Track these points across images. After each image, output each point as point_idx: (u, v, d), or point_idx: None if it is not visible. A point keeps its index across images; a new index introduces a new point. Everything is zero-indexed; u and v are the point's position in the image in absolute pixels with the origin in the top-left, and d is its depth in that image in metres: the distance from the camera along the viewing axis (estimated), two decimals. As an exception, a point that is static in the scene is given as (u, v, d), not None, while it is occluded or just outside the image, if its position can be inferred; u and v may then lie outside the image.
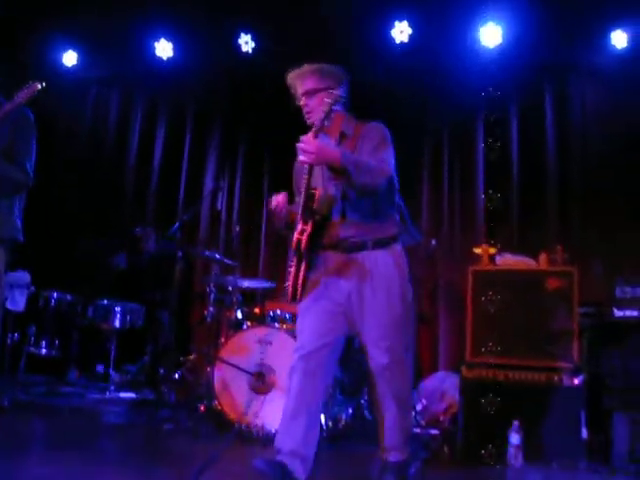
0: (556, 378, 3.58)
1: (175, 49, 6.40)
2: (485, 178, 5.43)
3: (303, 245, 2.60)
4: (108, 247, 5.67)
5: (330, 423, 3.90)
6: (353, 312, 2.69)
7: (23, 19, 6.02)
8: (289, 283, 2.70)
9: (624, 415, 3.46)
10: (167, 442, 3.77)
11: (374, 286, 2.67)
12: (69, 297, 5.15)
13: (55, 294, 5.10)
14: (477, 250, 3.98)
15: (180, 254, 4.35)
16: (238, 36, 6.29)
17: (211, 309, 4.60)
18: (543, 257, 3.87)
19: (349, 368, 4.22)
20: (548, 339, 3.63)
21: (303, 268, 2.66)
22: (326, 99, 2.62)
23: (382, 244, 2.72)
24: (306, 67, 2.82)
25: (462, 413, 3.75)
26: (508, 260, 3.96)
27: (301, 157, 2.53)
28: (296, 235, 2.62)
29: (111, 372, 5.12)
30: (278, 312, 4.40)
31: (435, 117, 5.74)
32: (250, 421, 3.87)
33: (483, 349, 3.71)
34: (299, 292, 2.67)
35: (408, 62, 5.69)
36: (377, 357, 2.66)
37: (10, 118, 2.95)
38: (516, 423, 3.44)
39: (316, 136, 2.51)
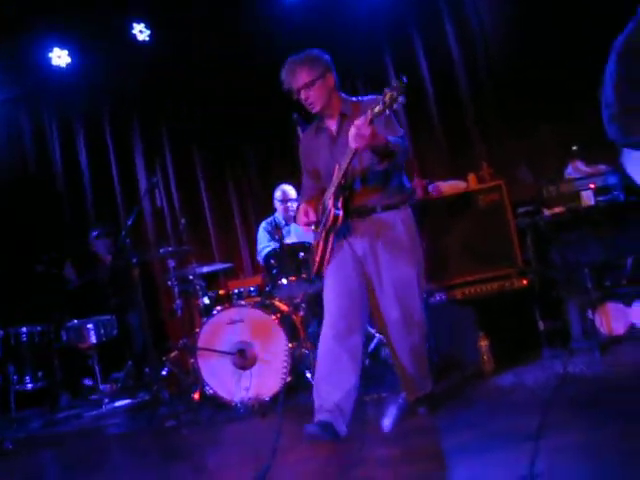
0: (507, 284, 3.89)
1: (71, 55, 6.30)
2: (406, 111, 5.57)
3: (340, 220, 2.87)
4: (60, 266, 5.71)
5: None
6: (369, 269, 2.95)
7: None
8: (317, 258, 2.98)
9: (572, 301, 3.80)
10: (175, 437, 3.92)
11: (385, 244, 2.94)
12: (39, 328, 5.20)
13: (24, 329, 5.14)
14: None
15: (135, 260, 4.43)
16: (131, 27, 6.22)
17: (178, 302, 4.73)
18: (471, 177, 4.13)
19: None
20: (492, 251, 3.92)
21: (331, 240, 2.95)
22: (323, 87, 2.93)
23: (391, 207, 2.97)
24: (294, 62, 2.97)
25: (433, 335, 4.04)
26: (440, 187, 4.20)
27: (354, 144, 2.63)
28: (333, 211, 2.87)
29: (100, 386, 5.23)
30: (242, 289, 4.61)
31: (345, 60, 5.77)
32: (244, 396, 4.09)
33: (437, 275, 3.98)
34: (325, 265, 2.98)
35: (304, 16, 5.71)
36: (388, 311, 2.95)
37: None
38: (481, 333, 3.74)
39: (371, 122, 2.59)
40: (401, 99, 2.45)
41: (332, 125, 3.05)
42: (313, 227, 3.08)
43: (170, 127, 6.35)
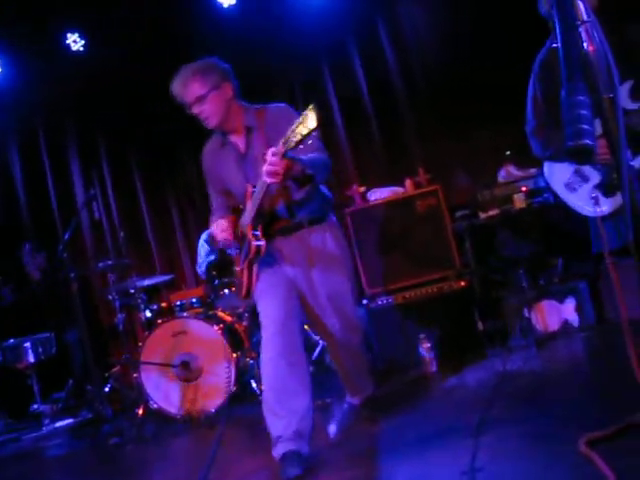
0: (445, 286, 3.98)
1: (3, 65, 6.12)
2: (343, 118, 5.64)
3: (263, 250, 2.67)
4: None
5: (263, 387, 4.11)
6: (302, 287, 2.80)
7: None
8: (243, 283, 2.79)
9: (509, 301, 3.92)
10: (120, 455, 3.85)
11: (315, 260, 2.79)
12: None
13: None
14: (348, 192, 4.25)
15: (73, 275, 4.32)
16: (65, 37, 6.10)
17: (120, 316, 4.63)
18: (408, 183, 4.21)
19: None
20: (431, 255, 4.01)
21: (256, 269, 2.76)
22: (218, 99, 2.65)
23: (316, 221, 2.81)
24: (185, 73, 2.71)
25: (376, 340, 4.09)
26: (378, 194, 4.27)
27: (268, 179, 2.41)
28: (254, 243, 2.65)
29: (40, 406, 5.06)
30: (184, 301, 4.56)
31: (282, 65, 5.79)
32: (189, 409, 4.04)
33: (378, 280, 4.04)
34: (253, 289, 2.79)
35: (239, 24, 5.71)
36: (327, 321, 2.87)
37: None
38: (422, 335, 3.82)
39: (284, 155, 2.34)
40: (313, 126, 2.19)
41: (238, 140, 2.78)
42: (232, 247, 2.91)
43: (107, 138, 6.24)
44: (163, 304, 4.72)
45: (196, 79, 2.67)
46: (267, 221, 2.73)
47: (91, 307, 5.63)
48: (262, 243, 2.67)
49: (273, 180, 2.41)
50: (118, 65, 5.98)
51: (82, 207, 4.85)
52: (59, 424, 5.01)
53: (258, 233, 2.66)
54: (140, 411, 4.26)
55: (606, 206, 2.43)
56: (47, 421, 5.02)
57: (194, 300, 4.57)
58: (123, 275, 4.86)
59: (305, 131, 2.22)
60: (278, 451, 2.61)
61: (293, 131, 2.25)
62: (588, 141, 1.20)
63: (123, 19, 5.87)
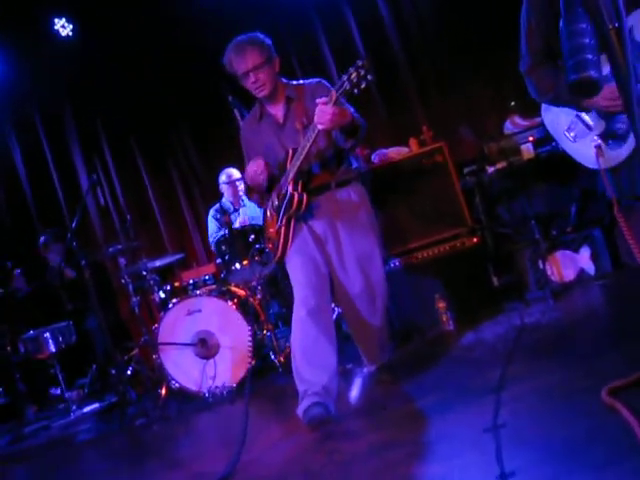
0: (458, 244, 3.93)
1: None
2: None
3: (304, 203, 2.84)
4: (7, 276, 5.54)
5: (282, 358, 4.13)
6: (330, 247, 2.93)
7: None
8: (279, 244, 2.93)
9: (523, 253, 3.86)
10: (147, 435, 3.89)
11: (344, 221, 2.91)
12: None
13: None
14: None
15: (85, 262, 4.32)
16: (53, 23, 6.03)
17: (134, 299, 4.64)
18: (413, 142, 4.13)
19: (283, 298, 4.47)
20: (441, 213, 3.95)
21: (292, 225, 2.91)
22: (271, 69, 2.84)
23: (344, 183, 2.95)
24: (242, 43, 2.86)
25: (392, 302, 4.06)
26: (384, 155, 4.19)
27: (320, 125, 2.57)
28: (297, 195, 2.82)
29: (66, 393, 5.13)
30: (197, 279, 4.55)
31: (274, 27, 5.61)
32: (210, 385, 4.06)
33: (390, 242, 3.99)
34: (288, 249, 2.92)
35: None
36: (351, 285, 2.95)
37: None
38: (437, 294, 3.78)
39: (336, 102, 2.52)
40: (370, 77, 2.38)
41: (277, 111, 2.97)
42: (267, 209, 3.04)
43: (105, 121, 6.19)
44: (176, 284, 4.72)
45: (255, 48, 2.83)
46: (305, 180, 2.87)
47: (107, 292, 5.63)
48: (304, 196, 2.83)
49: (326, 125, 2.54)
50: (109, 47, 5.90)
51: (86, 194, 4.81)
52: (86, 409, 5.08)
53: (299, 187, 2.84)
54: (163, 391, 4.30)
55: (611, 158, 2.18)
56: (74, 407, 5.09)
57: (207, 277, 4.56)
58: (134, 258, 4.85)
59: (358, 80, 2.39)
60: (305, 404, 2.67)
61: (347, 80, 2.42)
62: (592, 72, 1.09)
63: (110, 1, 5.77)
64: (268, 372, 4.16)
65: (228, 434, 3.28)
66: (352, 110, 2.77)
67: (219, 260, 4.40)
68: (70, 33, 6.06)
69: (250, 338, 3.98)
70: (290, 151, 2.84)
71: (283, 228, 2.90)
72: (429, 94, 5.24)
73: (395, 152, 4.19)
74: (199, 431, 3.71)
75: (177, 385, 4.17)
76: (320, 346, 2.76)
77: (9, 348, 5.11)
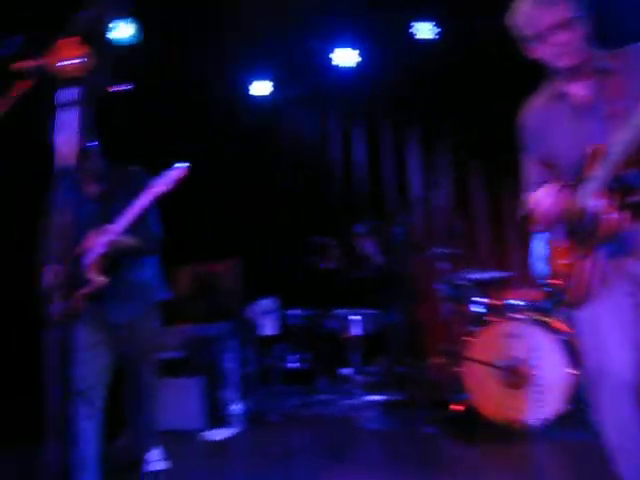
0: None
1: (361, 55, 6.49)
2: None
3: (622, 228, 1.97)
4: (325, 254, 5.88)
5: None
6: None
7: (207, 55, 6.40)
8: (578, 281, 2.08)
9: None
10: (431, 447, 3.80)
11: None
12: (309, 312, 5.45)
13: (297, 312, 5.43)
14: None
15: (409, 259, 4.37)
16: (411, 26, 6.22)
17: (446, 305, 4.57)
18: None
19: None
20: None
21: (601, 257, 2.04)
22: (581, 30, 2.03)
23: None
24: None
25: None
26: None
27: None
28: (609, 216, 1.96)
29: (355, 376, 5.31)
30: (517, 302, 4.28)
31: None
32: (509, 417, 3.79)
33: None
34: (587, 292, 2.06)
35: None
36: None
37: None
38: None
39: None
40: None
41: (581, 89, 2.11)
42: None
43: (446, 125, 6.22)
44: (494, 301, 4.51)
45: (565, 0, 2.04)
46: (623, 193, 1.98)
47: (416, 291, 5.68)
48: (622, 217, 1.95)
49: None
50: (470, 55, 5.87)
51: (424, 193, 4.86)
52: (370, 397, 5.20)
53: (615, 203, 1.95)
54: (456, 406, 4.15)
55: None
56: (359, 392, 5.24)
57: (527, 303, 4.27)
58: (455, 265, 4.77)
59: None
60: None
61: None
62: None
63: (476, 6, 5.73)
64: (577, 424, 3.73)
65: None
66: None
67: (547, 288, 4.07)
68: (433, 37, 6.19)
69: (567, 380, 3.60)
70: (596, 149, 1.99)
71: (583, 263, 2.06)
72: None
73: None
74: (493, 462, 3.48)
75: (473, 404, 3.98)
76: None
77: (320, 321, 5.44)
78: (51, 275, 3.00)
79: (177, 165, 3.01)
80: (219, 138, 6.72)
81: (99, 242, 2.97)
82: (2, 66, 1.84)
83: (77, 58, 1.29)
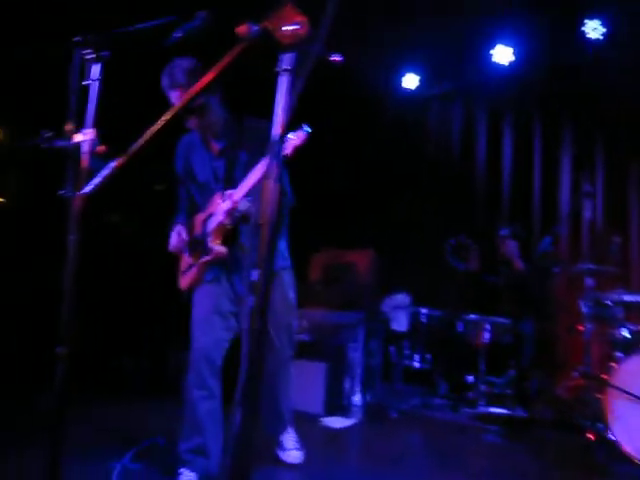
0: None
1: (516, 53, 6.23)
2: None
3: None
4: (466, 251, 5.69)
5: None
6: None
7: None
8: None
9: None
10: (552, 474, 3.57)
11: None
12: (438, 313, 5.33)
13: (424, 310, 5.32)
14: None
15: (555, 270, 4.11)
16: (582, 24, 5.83)
17: (587, 325, 4.26)
18: None
19: None
20: None
21: None
22: None
23: None
24: None
25: None
26: None
27: None
28: None
29: (479, 385, 5.12)
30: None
31: None
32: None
33: None
34: None
35: None
36: None
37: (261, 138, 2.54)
38: None
39: None
40: None
41: None
42: None
43: (606, 137, 5.80)
44: (647, 327, 4.15)
45: None
46: None
47: (558, 306, 5.37)
48: None
49: None
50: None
51: (574, 203, 4.57)
52: (493, 409, 4.99)
53: None
54: (591, 435, 3.87)
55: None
56: (482, 402, 5.05)
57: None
58: (603, 283, 4.44)
59: None
60: None
61: None
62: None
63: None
64: None
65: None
66: None
67: None
68: (599, 37, 5.81)
69: None
70: None
71: None
72: None
73: None
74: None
75: (612, 438, 3.68)
76: None
77: (450, 323, 5.29)
78: (175, 237, 3.01)
79: (300, 130, 2.65)
80: (366, 129, 6.72)
81: (220, 209, 2.80)
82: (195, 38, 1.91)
83: (296, 24, 1.29)
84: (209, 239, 2.87)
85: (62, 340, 1.84)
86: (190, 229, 3.02)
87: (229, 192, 2.78)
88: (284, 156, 2.57)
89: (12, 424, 3.75)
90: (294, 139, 2.62)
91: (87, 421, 3.80)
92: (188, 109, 2.78)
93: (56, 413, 1.82)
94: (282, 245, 3.09)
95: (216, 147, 3.00)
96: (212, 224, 2.87)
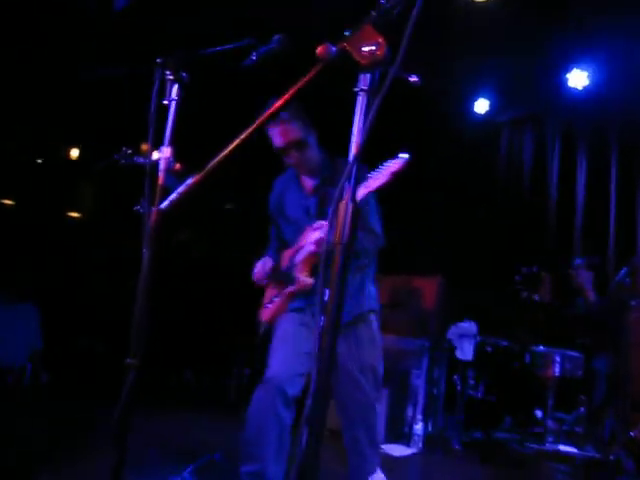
0: None
1: (591, 77, 6.06)
2: None
3: None
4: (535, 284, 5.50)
5: None
6: None
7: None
8: None
9: None
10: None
11: None
12: (505, 343, 5.16)
13: (492, 340, 5.17)
14: None
15: (633, 302, 3.92)
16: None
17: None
18: None
19: None
20: None
21: None
22: None
23: None
24: None
25: None
26: None
27: None
28: None
29: (547, 421, 4.90)
30: None
31: None
32: None
33: None
34: None
35: None
36: None
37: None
38: None
39: None
40: None
41: None
42: None
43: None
44: None
45: None
46: None
47: (635, 341, 5.12)
48: None
49: None
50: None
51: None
52: (562, 447, 4.77)
53: None
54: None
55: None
56: (551, 439, 4.83)
57: None
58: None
59: None
60: None
61: None
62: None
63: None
64: None
65: None
66: None
67: None
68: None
69: None
70: None
71: None
72: None
73: None
74: None
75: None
76: None
77: (516, 355, 5.11)
78: (260, 267, 2.97)
79: (399, 156, 2.50)
80: (438, 152, 6.67)
81: (310, 240, 2.75)
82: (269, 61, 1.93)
83: (374, 45, 1.28)
84: (296, 269, 2.83)
85: (132, 352, 1.87)
86: (277, 263, 3.01)
87: (321, 222, 2.74)
88: (379, 185, 2.47)
89: (79, 431, 3.85)
90: (392, 165, 2.51)
91: (149, 433, 3.86)
92: (290, 144, 2.81)
93: (120, 423, 1.84)
94: (372, 289, 2.99)
95: (309, 184, 2.99)
96: (301, 255, 2.82)
